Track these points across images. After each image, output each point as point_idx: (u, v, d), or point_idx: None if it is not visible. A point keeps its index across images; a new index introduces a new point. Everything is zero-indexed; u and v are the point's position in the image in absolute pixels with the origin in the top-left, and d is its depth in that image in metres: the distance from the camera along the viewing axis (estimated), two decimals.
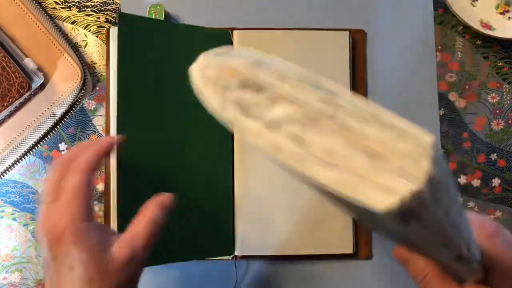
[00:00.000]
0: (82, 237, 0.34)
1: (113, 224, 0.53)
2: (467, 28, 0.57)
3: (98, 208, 0.56)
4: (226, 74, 0.22)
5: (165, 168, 0.51)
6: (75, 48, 0.57)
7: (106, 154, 0.39)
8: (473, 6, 0.57)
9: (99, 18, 0.57)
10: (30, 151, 0.53)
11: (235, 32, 0.55)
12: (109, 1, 0.57)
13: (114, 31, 0.54)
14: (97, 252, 0.34)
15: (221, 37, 0.55)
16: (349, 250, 0.54)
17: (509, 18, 0.57)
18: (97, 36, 0.57)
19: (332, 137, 0.19)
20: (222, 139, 0.54)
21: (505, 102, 0.58)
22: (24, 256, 0.56)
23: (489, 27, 0.56)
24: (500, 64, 0.58)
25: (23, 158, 0.54)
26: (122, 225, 0.48)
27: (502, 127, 0.58)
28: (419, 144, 0.17)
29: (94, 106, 0.57)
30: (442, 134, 0.57)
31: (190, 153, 0.53)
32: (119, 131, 0.49)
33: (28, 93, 0.49)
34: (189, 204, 0.52)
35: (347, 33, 0.55)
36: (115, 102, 0.49)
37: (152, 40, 0.51)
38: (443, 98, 0.57)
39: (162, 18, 0.54)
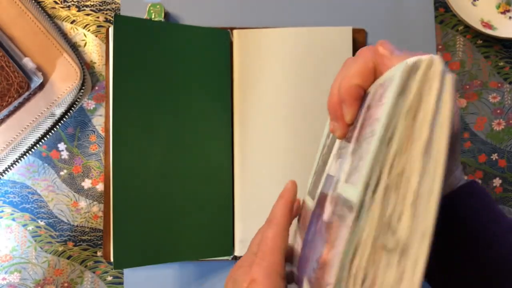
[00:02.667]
0: None
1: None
2: (468, 28, 0.57)
3: (97, 208, 0.56)
4: None
5: (163, 169, 0.51)
6: (74, 48, 0.56)
7: (294, 201, 0.39)
8: (474, 5, 0.57)
9: (98, 17, 0.57)
10: (29, 151, 0.53)
11: (234, 31, 0.55)
12: (109, 1, 0.57)
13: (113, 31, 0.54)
14: None
15: (220, 36, 0.55)
16: None
17: (510, 17, 0.57)
18: (96, 36, 0.57)
19: None
20: (222, 136, 0.54)
21: (506, 102, 0.57)
22: (24, 257, 0.56)
23: (490, 27, 0.56)
24: (501, 63, 0.58)
25: (22, 158, 0.53)
26: (118, 227, 0.48)
27: (503, 127, 0.57)
28: None
29: (94, 106, 0.56)
30: None
31: (189, 153, 0.53)
32: (114, 131, 0.49)
33: (27, 93, 0.49)
34: (189, 204, 0.52)
35: (350, 28, 0.55)
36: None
37: (149, 41, 0.51)
38: None
39: (162, 18, 0.54)
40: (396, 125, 0.23)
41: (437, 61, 0.23)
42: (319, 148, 0.46)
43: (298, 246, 0.36)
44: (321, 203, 0.33)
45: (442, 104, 0.22)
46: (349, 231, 0.22)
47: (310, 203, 0.37)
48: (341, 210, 0.25)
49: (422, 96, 0.23)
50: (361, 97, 0.32)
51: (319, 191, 0.36)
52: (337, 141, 0.36)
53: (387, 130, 0.23)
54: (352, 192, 0.24)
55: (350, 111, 0.32)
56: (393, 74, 0.25)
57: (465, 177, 0.57)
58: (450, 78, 0.22)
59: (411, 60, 0.24)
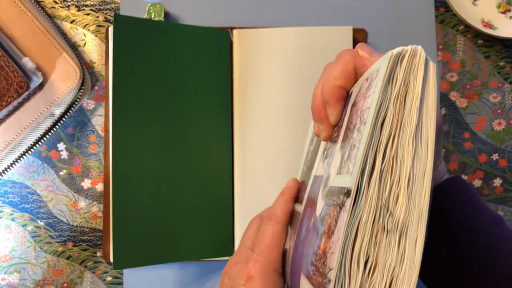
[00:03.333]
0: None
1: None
2: (468, 28, 0.57)
3: (97, 208, 0.56)
4: None
5: (163, 169, 0.51)
6: (74, 48, 0.56)
7: (295, 198, 0.39)
8: (474, 5, 0.57)
9: (98, 17, 0.57)
10: (29, 151, 0.53)
11: (234, 31, 0.55)
12: (108, 0, 0.57)
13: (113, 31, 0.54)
14: None
15: (220, 36, 0.55)
16: None
17: (510, 17, 0.57)
18: (96, 36, 0.57)
19: None
20: (222, 136, 0.54)
21: (507, 102, 0.57)
22: (23, 257, 0.56)
23: (491, 26, 0.56)
24: (502, 63, 0.58)
25: (21, 158, 0.53)
26: (117, 227, 0.48)
27: (503, 127, 0.57)
28: None
29: (93, 105, 0.56)
30: (443, 134, 0.57)
31: (189, 152, 0.53)
32: (114, 131, 0.48)
33: (26, 93, 0.49)
34: (189, 204, 0.52)
35: (350, 28, 0.55)
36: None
37: (149, 41, 0.51)
38: (444, 98, 0.57)
39: (162, 17, 0.54)
40: (387, 110, 0.24)
41: (420, 50, 0.25)
42: (303, 157, 0.46)
43: (289, 250, 0.35)
44: (310, 204, 0.33)
45: (427, 90, 0.24)
46: (348, 215, 0.23)
47: (299, 208, 0.37)
48: (337, 199, 0.26)
49: (409, 83, 0.24)
50: (344, 97, 0.33)
51: (306, 195, 0.36)
52: (322, 145, 0.37)
53: (378, 115, 0.24)
54: (347, 179, 0.25)
55: (334, 112, 0.33)
56: (379, 66, 0.27)
57: (466, 177, 0.57)
58: (433, 66, 0.24)
59: (396, 50, 0.25)
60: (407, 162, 0.23)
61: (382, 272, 0.22)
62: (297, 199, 0.39)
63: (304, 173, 0.42)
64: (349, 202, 0.23)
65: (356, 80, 0.33)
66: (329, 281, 0.22)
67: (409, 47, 0.25)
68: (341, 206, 0.25)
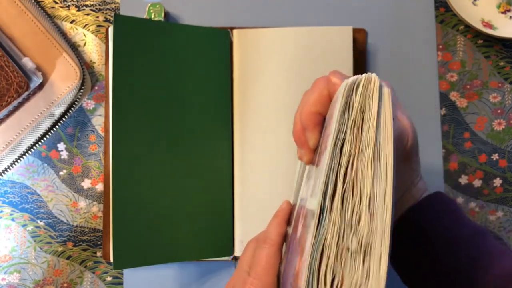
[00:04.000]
0: None
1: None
2: (468, 28, 0.57)
3: (97, 208, 0.56)
4: None
5: (163, 169, 0.51)
6: (74, 48, 0.56)
7: (287, 221, 0.40)
8: (474, 5, 0.57)
9: (98, 17, 0.57)
10: (29, 151, 0.53)
11: (234, 31, 0.55)
12: (108, 0, 0.57)
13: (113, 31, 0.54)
14: None
15: (220, 36, 0.54)
16: None
17: (510, 17, 0.57)
18: (96, 36, 0.57)
19: None
20: (222, 136, 0.54)
21: (507, 102, 0.57)
22: (23, 257, 0.56)
23: (491, 26, 0.56)
24: (502, 63, 0.58)
25: (21, 158, 0.53)
26: (117, 227, 0.48)
27: (503, 127, 0.57)
28: None
29: (93, 105, 0.56)
30: (443, 134, 0.57)
31: (189, 153, 0.53)
32: (114, 131, 0.48)
33: (26, 93, 0.49)
34: (189, 204, 0.52)
35: (350, 28, 0.55)
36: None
37: (149, 41, 0.51)
38: (444, 98, 0.57)
39: (162, 17, 0.54)
40: (345, 136, 0.26)
41: (374, 77, 0.26)
42: (295, 176, 0.47)
43: (282, 272, 0.36)
44: (295, 225, 0.34)
45: (383, 113, 0.25)
46: (313, 236, 0.24)
47: (289, 230, 0.38)
48: (308, 222, 0.27)
49: (365, 108, 0.26)
50: (321, 122, 0.35)
51: (294, 217, 0.37)
52: (306, 168, 0.38)
53: (337, 141, 0.26)
54: (314, 202, 0.26)
55: (312, 136, 0.35)
56: (338, 93, 0.29)
57: (466, 177, 0.57)
58: (387, 91, 0.26)
59: (350, 79, 0.27)
60: (367, 183, 0.24)
61: None
62: (289, 221, 0.40)
63: (294, 194, 0.43)
64: (313, 223, 0.24)
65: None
66: None
67: (364, 75, 0.27)
68: (309, 228, 0.26)
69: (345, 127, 0.26)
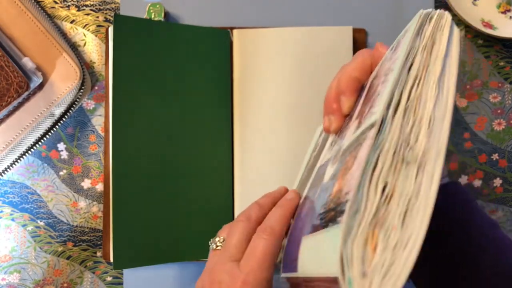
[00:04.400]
0: None
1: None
2: (468, 28, 0.57)
3: (97, 208, 0.56)
4: None
5: (163, 169, 0.51)
6: (74, 48, 0.56)
7: (294, 212, 0.35)
8: (474, 5, 0.57)
9: (98, 17, 0.57)
10: (29, 151, 0.53)
11: (234, 30, 0.55)
12: (108, 0, 0.57)
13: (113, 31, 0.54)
14: None
15: (220, 36, 0.54)
16: None
17: (510, 17, 0.57)
18: (96, 36, 0.57)
19: None
20: (222, 136, 0.54)
21: (507, 102, 0.57)
22: (23, 257, 0.56)
23: (491, 27, 0.56)
24: (502, 63, 0.57)
25: (21, 158, 0.53)
26: (117, 227, 0.48)
27: (503, 127, 0.57)
28: None
29: (93, 105, 0.56)
30: None
31: (189, 152, 0.53)
32: (114, 131, 0.48)
33: (26, 93, 0.49)
34: (189, 204, 0.52)
35: (350, 28, 0.55)
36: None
37: (149, 41, 0.51)
38: None
39: (162, 17, 0.54)
40: (415, 57, 0.26)
41: (447, 14, 0.28)
42: (299, 174, 0.46)
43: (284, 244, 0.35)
44: (315, 183, 0.33)
45: (451, 47, 0.26)
46: (371, 143, 0.24)
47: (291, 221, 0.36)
48: (355, 144, 0.27)
49: (435, 39, 0.27)
50: (358, 89, 0.34)
51: (309, 184, 0.36)
52: (328, 142, 0.38)
53: (407, 58, 0.26)
54: (371, 119, 0.26)
55: (349, 100, 0.34)
56: (407, 28, 0.30)
57: (466, 177, 0.57)
58: (457, 31, 0.27)
59: (425, 10, 0.28)
60: (429, 104, 0.24)
61: (398, 201, 0.22)
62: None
63: (298, 189, 0.41)
64: (373, 131, 0.24)
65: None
66: (347, 201, 0.22)
67: (438, 10, 0.28)
68: (361, 142, 0.26)
69: (416, 49, 0.27)
